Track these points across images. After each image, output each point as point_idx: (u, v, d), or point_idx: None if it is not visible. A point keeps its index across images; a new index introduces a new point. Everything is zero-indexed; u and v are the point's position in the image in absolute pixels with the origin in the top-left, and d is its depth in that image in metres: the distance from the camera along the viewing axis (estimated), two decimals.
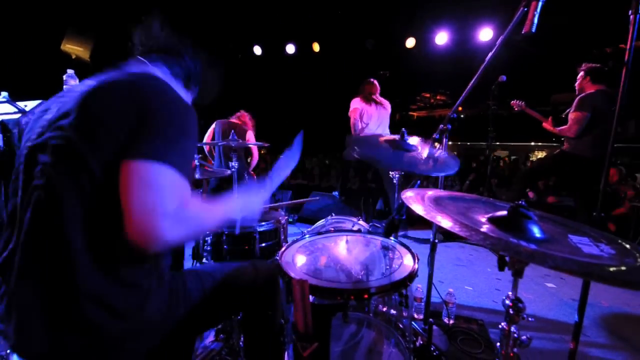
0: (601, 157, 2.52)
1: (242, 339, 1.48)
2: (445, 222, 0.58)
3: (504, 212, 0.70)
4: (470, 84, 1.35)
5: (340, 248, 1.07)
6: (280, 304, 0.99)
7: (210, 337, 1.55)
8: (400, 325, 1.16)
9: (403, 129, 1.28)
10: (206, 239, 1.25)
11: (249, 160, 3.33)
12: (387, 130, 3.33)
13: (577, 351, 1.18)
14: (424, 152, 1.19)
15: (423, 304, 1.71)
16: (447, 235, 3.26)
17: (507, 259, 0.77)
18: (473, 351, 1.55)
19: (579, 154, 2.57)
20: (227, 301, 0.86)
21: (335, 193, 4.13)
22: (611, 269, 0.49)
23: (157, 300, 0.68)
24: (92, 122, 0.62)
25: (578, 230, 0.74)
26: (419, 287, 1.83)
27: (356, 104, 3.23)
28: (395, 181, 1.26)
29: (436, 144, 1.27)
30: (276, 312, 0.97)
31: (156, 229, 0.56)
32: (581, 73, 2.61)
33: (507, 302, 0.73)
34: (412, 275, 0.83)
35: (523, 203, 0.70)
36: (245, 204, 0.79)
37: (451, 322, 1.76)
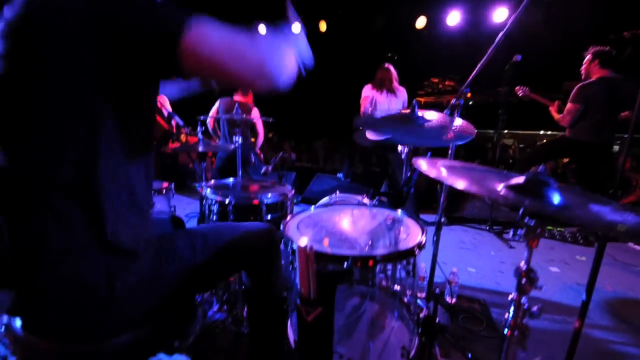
0: (603, 142, 2.58)
1: (245, 309, 1.50)
2: (461, 183, 0.55)
3: (521, 179, 0.66)
4: (482, 60, 1.30)
5: (346, 220, 1.05)
6: (280, 270, 0.98)
7: (214, 308, 1.58)
8: (405, 300, 1.15)
9: (414, 101, 1.23)
10: (212, 208, 1.23)
11: (253, 140, 3.29)
12: None
13: (582, 328, 1.18)
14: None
15: (426, 282, 1.71)
16: (452, 219, 3.25)
17: (519, 231, 0.74)
18: (475, 328, 1.56)
19: (579, 139, 2.61)
20: (221, 262, 0.83)
21: (340, 175, 4.10)
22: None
23: (142, 262, 0.66)
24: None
25: (599, 200, 0.71)
26: (422, 265, 1.83)
27: (367, 91, 3.15)
28: (403, 156, 1.23)
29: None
30: (276, 279, 0.96)
31: (266, 75, 0.61)
32: (588, 57, 2.59)
33: (519, 271, 0.71)
34: (420, 245, 0.81)
35: (542, 169, 0.67)
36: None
37: (453, 300, 1.76)
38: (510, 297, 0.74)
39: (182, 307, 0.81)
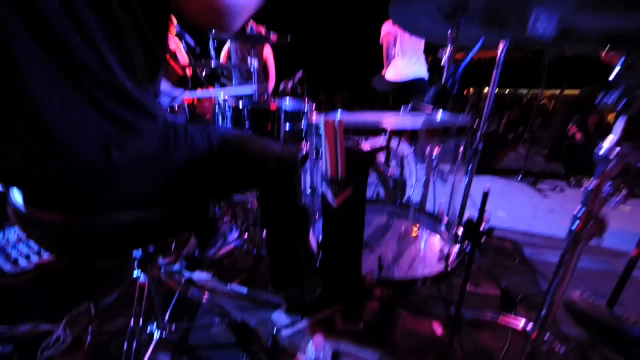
0: None
1: (264, 233, 1.46)
2: None
3: None
4: None
5: (377, 118, 0.92)
6: (300, 193, 0.89)
7: (235, 235, 1.56)
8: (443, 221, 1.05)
9: None
10: (226, 114, 1.13)
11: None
12: (423, 58, 2.96)
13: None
14: None
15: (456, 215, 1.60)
16: (480, 168, 3.05)
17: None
18: (507, 264, 1.47)
19: None
20: (237, 168, 0.76)
21: None
22: None
23: (150, 134, 0.60)
24: None
25: None
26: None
27: (389, 27, 2.83)
28: (446, 59, 1.04)
29: None
30: (296, 198, 0.87)
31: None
32: None
33: (607, 148, 0.56)
34: (469, 126, 0.67)
35: None
36: None
37: (483, 239, 1.65)
38: (586, 184, 0.61)
39: (196, 203, 0.73)
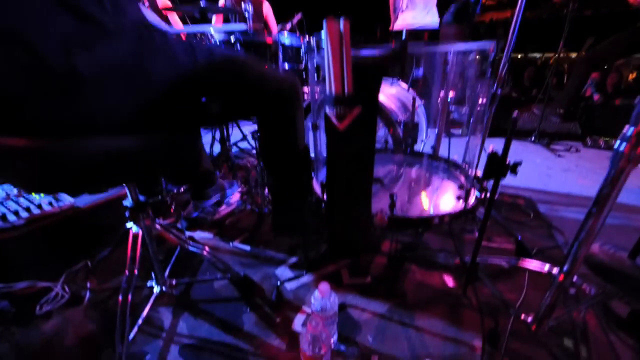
0: None
1: (266, 192, 1.39)
2: None
3: None
4: None
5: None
6: (302, 127, 0.79)
7: (235, 197, 1.50)
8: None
9: None
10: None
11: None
12: (435, 10, 2.70)
13: None
14: None
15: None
16: (493, 132, 2.90)
17: None
18: (521, 220, 1.40)
19: None
20: (228, 89, 0.67)
21: None
22: None
23: (118, 33, 0.51)
24: None
25: None
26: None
27: None
28: None
29: None
30: (296, 131, 0.78)
31: None
32: None
33: None
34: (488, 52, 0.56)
35: None
36: None
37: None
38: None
39: (181, 129, 0.64)
